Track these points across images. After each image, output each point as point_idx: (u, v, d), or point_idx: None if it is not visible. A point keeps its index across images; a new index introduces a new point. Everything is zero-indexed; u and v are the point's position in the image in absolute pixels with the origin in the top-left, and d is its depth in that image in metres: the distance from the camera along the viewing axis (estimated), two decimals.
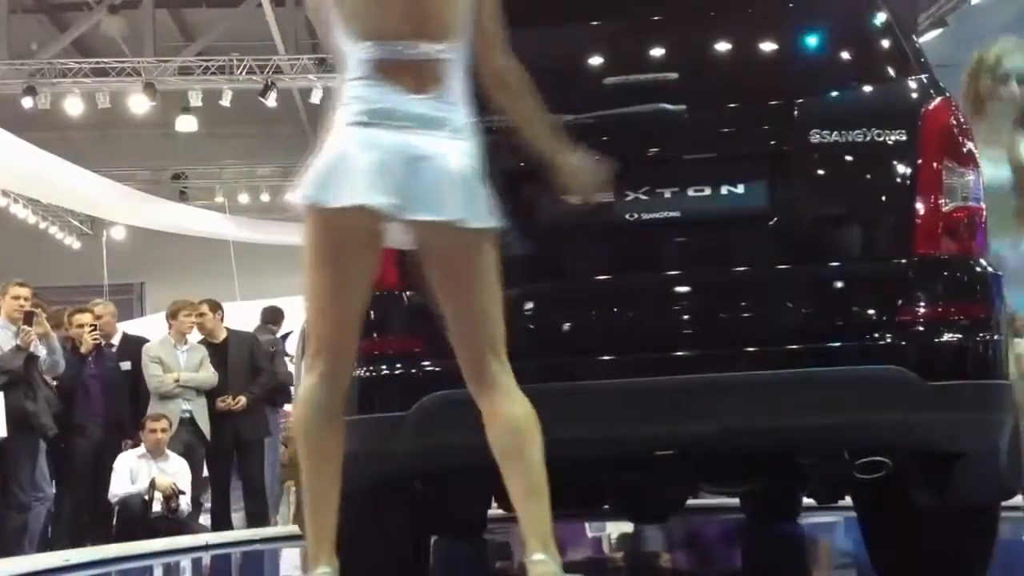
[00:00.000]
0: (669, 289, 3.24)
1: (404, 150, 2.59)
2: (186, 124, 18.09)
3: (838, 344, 3.16)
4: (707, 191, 3.28)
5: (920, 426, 3.14)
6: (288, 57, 15.96)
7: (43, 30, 16.99)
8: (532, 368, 2.89)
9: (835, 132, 3.30)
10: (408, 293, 3.27)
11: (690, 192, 3.27)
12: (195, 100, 16.23)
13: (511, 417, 2.67)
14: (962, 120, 3.35)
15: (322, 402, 2.71)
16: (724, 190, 3.28)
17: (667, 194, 3.26)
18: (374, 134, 2.60)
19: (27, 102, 15.75)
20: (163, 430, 8.45)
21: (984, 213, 3.31)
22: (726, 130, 3.37)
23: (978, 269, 3.27)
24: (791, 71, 3.52)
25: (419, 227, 2.64)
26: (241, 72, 15.96)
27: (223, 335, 9.18)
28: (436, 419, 3.12)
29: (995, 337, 3.22)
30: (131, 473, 8.36)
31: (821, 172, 3.33)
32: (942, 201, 3.23)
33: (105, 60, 16.20)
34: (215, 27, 16.62)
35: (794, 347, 3.15)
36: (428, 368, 3.19)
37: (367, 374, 3.26)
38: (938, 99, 3.34)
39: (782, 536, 5.93)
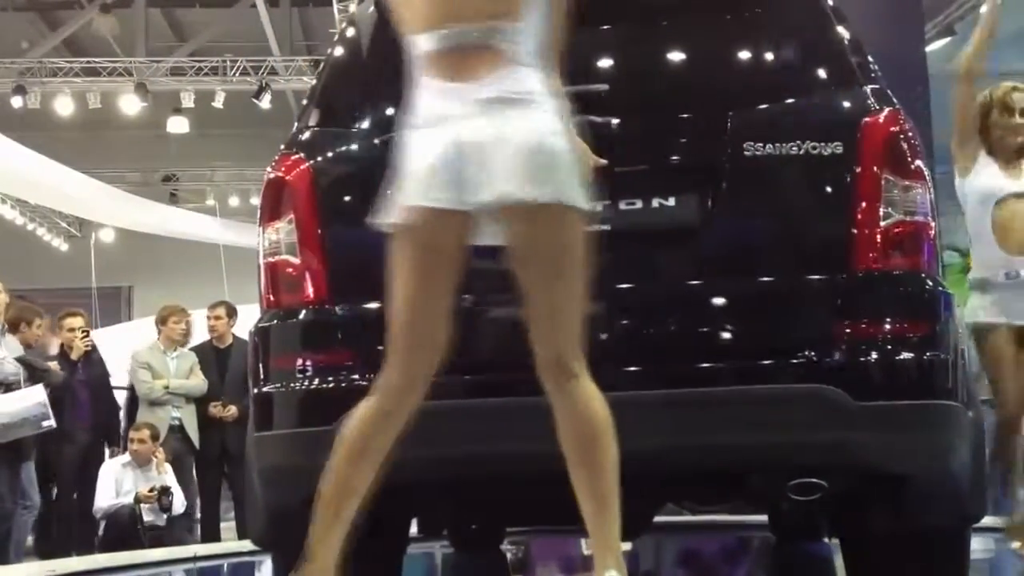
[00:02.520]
0: (597, 305, 3.22)
1: (459, 141, 2.49)
2: (178, 125, 18.07)
3: (768, 362, 3.10)
4: (638, 204, 3.26)
5: (851, 447, 3.05)
6: (283, 58, 15.97)
7: (34, 29, 16.97)
8: (457, 383, 2.89)
9: (771, 144, 3.26)
10: (335, 307, 3.27)
11: (621, 205, 3.24)
12: (187, 101, 16.23)
13: (585, 420, 2.56)
14: (909, 133, 3.26)
15: (389, 409, 2.62)
16: (655, 203, 3.26)
17: (597, 207, 3.16)
18: (430, 136, 2.53)
19: (16, 101, 15.74)
20: (141, 441, 8.44)
21: (932, 229, 3.23)
22: (658, 142, 3.34)
23: (920, 285, 3.19)
24: (725, 82, 3.49)
25: (492, 216, 2.53)
26: (235, 73, 15.96)
27: (229, 341, 9.16)
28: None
29: (938, 356, 3.13)
30: (116, 483, 8.35)
31: (756, 185, 3.28)
32: (881, 215, 3.15)
33: (96, 60, 16.20)
34: (209, 27, 16.62)
35: (721, 365, 3.10)
36: (352, 382, 3.16)
37: (290, 387, 3.28)
38: (881, 111, 3.26)
39: (804, 556, 5.88)
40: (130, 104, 16.36)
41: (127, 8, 16.45)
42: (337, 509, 2.63)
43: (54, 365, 8.30)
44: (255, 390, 3.40)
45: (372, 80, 3.57)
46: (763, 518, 6.03)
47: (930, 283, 3.20)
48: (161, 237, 18.92)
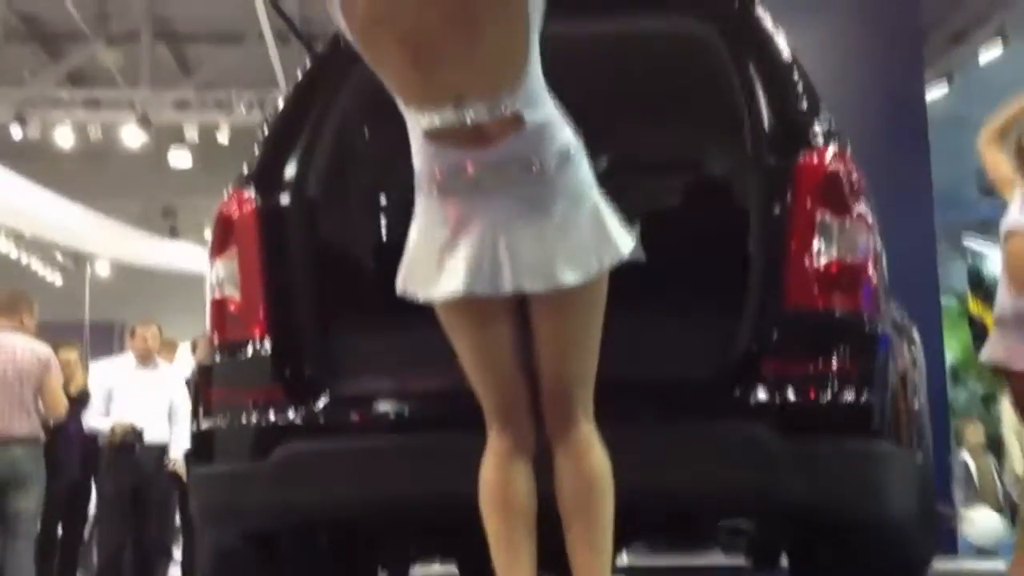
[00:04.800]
0: None
1: (485, 218, 2.44)
2: (180, 159, 18.23)
3: (693, 399, 3.10)
4: None
5: (777, 487, 3.03)
6: None
7: (36, 60, 17.17)
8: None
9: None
10: (271, 344, 3.33)
11: None
12: (190, 135, 16.39)
13: (585, 469, 2.57)
14: (851, 174, 3.24)
15: (515, 476, 2.59)
16: None
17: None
18: (447, 203, 2.47)
19: (16, 131, 15.91)
20: (152, 336, 8.65)
21: (872, 270, 3.21)
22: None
23: (853, 325, 3.17)
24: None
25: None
26: (240, 107, 16.12)
27: None
28: (292, 470, 3.13)
29: (869, 397, 3.10)
30: (108, 394, 8.54)
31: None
32: (815, 253, 3.13)
33: (99, 91, 16.38)
34: (215, 62, 16.80)
35: (643, 401, 3.08)
36: (284, 419, 3.23)
37: (222, 424, 3.34)
38: (821, 149, 3.25)
39: None
40: (132, 136, 16.52)
41: (133, 42, 16.65)
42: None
43: None
44: (193, 426, 3.48)
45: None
46: (741, 562, 6.06)
47: (865, 323, 3.19)
48: (157, 272, 19.03)
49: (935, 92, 12.21)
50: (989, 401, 10.90)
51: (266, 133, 3.71)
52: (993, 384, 9.07)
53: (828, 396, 3.08)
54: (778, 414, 3.06)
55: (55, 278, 21.83)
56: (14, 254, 20.13)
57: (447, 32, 2.41)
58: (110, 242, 18.14)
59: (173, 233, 21.35)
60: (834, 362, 3.11)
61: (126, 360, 9.22)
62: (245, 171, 3.60)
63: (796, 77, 3.46)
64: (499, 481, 2.60)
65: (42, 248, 20.96)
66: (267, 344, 3.33)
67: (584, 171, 2.52)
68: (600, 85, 3.84)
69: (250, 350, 3.35)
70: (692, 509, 3.21)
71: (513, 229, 2.44)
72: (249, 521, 3.32)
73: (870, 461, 3.11)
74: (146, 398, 8.48)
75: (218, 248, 3.45)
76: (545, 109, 2.50)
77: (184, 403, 8.25)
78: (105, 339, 20.25)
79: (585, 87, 3.50)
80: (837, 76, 4.41)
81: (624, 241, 2.52)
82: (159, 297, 20.31)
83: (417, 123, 2.50)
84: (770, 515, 3.16)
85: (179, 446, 8.29)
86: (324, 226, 3.60)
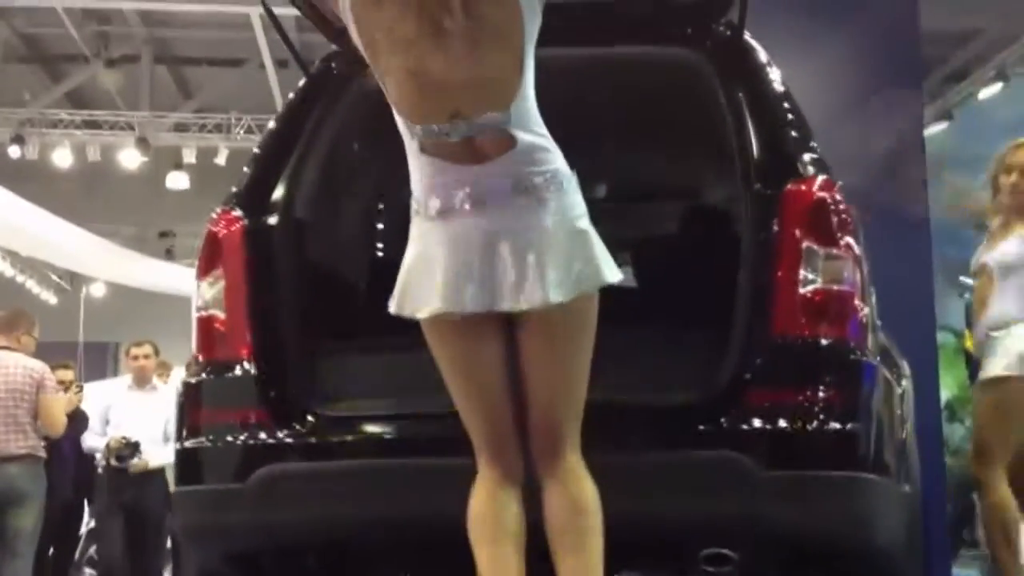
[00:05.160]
0: None
1: (477, 235, 2.48)
2: (177, 181, 18.26)
3: (675, 426, 3.10)
4: None
5: (758, 517, 3.03)
6: None
7: (36, 80, 17.24)
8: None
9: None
10: (254, 365, 3.32)
11: None
12: (189, 157, 16.44)
13: (572, 498, 2.58)
14: (838, 204, 3.24)
15: (506, 506, 2.61)
16: None
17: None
18: (443, 224, 2.52)
19: (14, 151, 15.95)
20: (146, 356, 8.59)
21: (859, 300, 3.21)
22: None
23: (837, 354, 3.16)
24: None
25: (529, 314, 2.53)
26: (239, 131, 16.19)
27: None
28: (273, 492, 3.12)
29: (853, 427, 3.11)
30: (104, 414, 8.50)
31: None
32: (800, 282, 3.14)
33: (98, 112, 16.44)
34: (215, 86, 16.87)
35: (626, 428, 3.08)
36: (267, 439, 3.23)
37: (205, 443, 3.34)
38: (809, 178, 3.25)
39: None
40: (130, 158, 16.57)
41: (133, 64, 16.73)
42: None
43: None
44: (177, 444, 3.48)
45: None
46: None
47: (849, 352, 3.18)
48: (152, 294, 19.02)
49: (934, 129, 12.30)
50: None
51: (256, 153, 3.74)
52: None
53: (812, 425, 3.08)
54: (761, 442, 3.07)
55: (50, 297, 21.83)
56: (9, 272, 20.14)
57: (449, 48, 2.49)
58: (106, 263, 18.14)
59: (169, 255, 21.37)
60: (818, 391, 3.12)
61: (122, 381, 9.18)
62: (234, 191, 3.61)
63: (786, 106, 3.48)
64: (490, 513, 2.61)
65: (37, 268, 20.98)
66: (251, 365, 3.34)
67: (575, 198, 2.56)
68: (591, 111, 3.86)
69: (234, 370, 3.35)
70: (674, 537, 3.18)
71: (503, 247, 2.48)
72: (230, 542, 3.32)
73: (855, 491, 3.10)
74: (143, 419, 8.40)
75: (205, 268, 3.46)
76: (538, 131, 2.57)
77: None
78: (99, 360, 20.26)
79: (576, 113, 3.52)
80: (837, 112, 4.44)
81: (610, 268, 2.55)
82: (154, 319, 20.27)
83: (413, 136, 2.57)
84: (754, 544, 3.13)
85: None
86: (312, 247, 3.60)
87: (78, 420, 8.86)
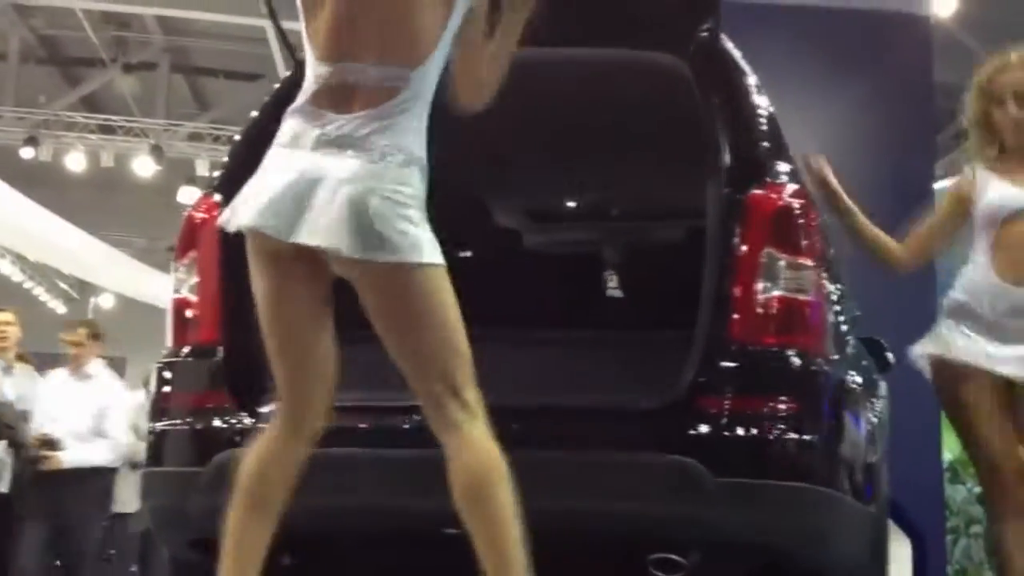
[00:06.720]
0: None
1: (311, 171, 2.54)
2: (189, 195, 18.27)
3: (626, 429, 3.10)
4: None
5: (707, 524, 3.03)
6: None
7: (52, 83, 17.32)
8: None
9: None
10: (224, 348, 3.37)
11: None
12: (202, 170, 16.46)
13: (466, 465, 2.57)
14: (807, 211, 3.24)
15: (273, 452, 2.65)
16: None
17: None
18: (291, 155, 2.59)
19: (27, 152, 16.00)
20: (77, 343, 8.00)
21: (822, 309, 3.21)
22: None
23: (796, 364, 3.14)
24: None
25: (335, 261, 2.57)
26: None
27: None
28: (232, 477, 3.05)
29: (810, 438, 3.10)
30: (30, 396, 7.88)
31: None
32: (759, 289, 3.13)
33: (113, 118, 16.49)
34: (232, 98, 16.92)
35: (577, 428, 3.10)
36: (229, 424, 3.28)
37: (168, 425, 3.42)
38: (773, 186, 3.26)
39: None
40: (144, 166, 16.61)
41: (151, 71, 16.79)
42: (239, 567, 2.62)
43: None
44: (149, 427, 3.54)
45: None
46: None
47: (809, 362, 3.15)
48: (161, 308, 18.99)
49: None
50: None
51: (240, 139, 3.78)
52: None
53: (765, 433, 3.07)
54: (714, 449, 3.05)
55: (58, 306, 21.88)
56: (18, 278, 20.20)
57: None
58: (115, 273, 18.16)
59: None
60: (773, 400, 3.10)
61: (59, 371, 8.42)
62: (216, 176, 3.69)
63: (761, 115, 3.50)
64: (256, 472, 2.63)
65: (47, 275, 21.04)
66: (218, 349, 3.39)
67: (413, 186, 2.58)
68: (566, 112, 3.90)
69: (202, 354, 3.41)
70: (624, 540, 3.17)
71: (318, 187, 2.52)
72: (191, 525, 3.32)
73: (807, 503, 3.08)
74: (70, 411, 7.80)
75: (181, 252, 3.51)
76: (414, 115, 2.62)
77: (119, 416, 7.97)
78: None
79: (551, 114, 3.62)
80: (848, 164, 4.39)
81: (430, 252, 2.56)
82: (162, 331, 20.31)
83: (313, 74, 2.64)
84: (704, 551, 3.10)
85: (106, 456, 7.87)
86: None
87: None
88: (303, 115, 2.62)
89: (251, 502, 2.63)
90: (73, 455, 7.67)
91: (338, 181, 2.52)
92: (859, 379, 3.53)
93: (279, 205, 2.53)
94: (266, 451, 2.65)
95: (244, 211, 2.59)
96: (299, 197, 2.52)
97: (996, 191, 4.09)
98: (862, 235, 4.12)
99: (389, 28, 2.60)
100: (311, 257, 2.57)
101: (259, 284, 2.66)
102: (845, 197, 4.04)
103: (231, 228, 2.62)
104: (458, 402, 2.60)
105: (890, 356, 4.50)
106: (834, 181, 4.02)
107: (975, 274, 4.09)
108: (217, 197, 3.52)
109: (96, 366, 8.19)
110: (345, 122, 2.57)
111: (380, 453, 3.18)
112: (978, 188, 4.14)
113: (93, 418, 7.87)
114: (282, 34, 3.92)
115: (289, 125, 2.64)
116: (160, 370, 3.52)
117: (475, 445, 2.58)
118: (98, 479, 7.94)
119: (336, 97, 2.60)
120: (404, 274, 2.55)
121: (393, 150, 2.56)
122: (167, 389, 3.48)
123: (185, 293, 3.47)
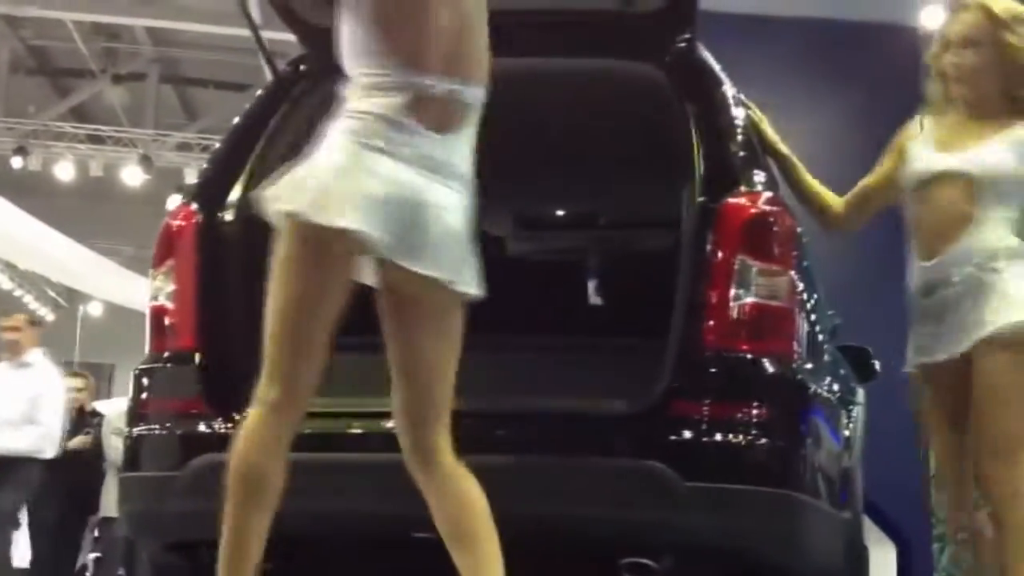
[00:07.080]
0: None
1: (413, 191, 2.49)
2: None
3: (597, 433, 3.13)
4: None
5: (677, 528, 3.04)
6: None
7: (42, 94, 17.33)
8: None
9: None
10: (196, 353, 3.40)
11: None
12: (191, 179, 16.47)
13: (453, 497, 2.59)
14: (782, 219, 3.26)
15: (268, 439, 2.57)
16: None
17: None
18: (384, 163, 2.49)
19: (17, 162, 16.01)
20: (15, 329, 8.19)
21: (795, 316, 3.22)
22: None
23: (767, 370, 3.16)
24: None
25: (398, 273, 2.52)
26: None
27: None
28: (207, 482, 3.05)
29: (780, 443, 3.12)
30: None
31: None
32: (732, 296, 3.15)
33: (102, 128, 16.50)
34: (220, 108, 16.94)
35: (549, 432, 3.13)
36: (204, 430, 3.32)
37: (145, 431, 3.45)
38: (747, 193, 3.27)
39: None
40: (132, 176, 16.62)
41: (140, 82, 16.80)
42: (239, 560, 2.56)
43: None
44: (127, 431, 3.56)
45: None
46: None
47: (781, 368, 3.18)
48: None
49: None
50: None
51: (218, 148, 3.82)
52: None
53: (736, 439, 3.09)
54: (685, 454, 3.08)
55: (47, 314, 21.83)
56: (7, 286, 20.17)
57: (472, 12, 2.60)
58: (103, 282, 18.15)
59: None
60: (744, 405, 3.12)
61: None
62: (193, 185, 3.73)
63: (737, 123, 3.51)
64: (259, 461, 2.56)
65: (36, 283, 21.01)
66: (195, 356, 3.42)
67: (471, 216, 2.61)
68: (546, 121, 3.96)
69: (178, 361, 3.44)
70: (595, 544, 3.20)
71: (425, 212, 2.50)
72: (166, 529, 3.38)
73: (778, 508, 3.09)
74: (5, 398, 7.95)
75: (158, 260, 3.53)
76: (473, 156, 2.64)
77: (53, 404, 8.00)
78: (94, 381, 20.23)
79: (530, 122, 3.64)
80: (837, 171, 4.44)
81: (472, 280, 2.57)
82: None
83: (396, 81, 2.55)
84: (675, 555, 3.13)
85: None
86: (265, 246, 3.66)
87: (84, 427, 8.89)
88: (390, 124, 2.52)
89: (249, 489, 2.55)
90: (2, 442, 7.81)
91: (441, 209, 2.51)
92: (834, 386, 3.58)
93: (387, 219, 2.45)
94: (259, 437, 2.57)
95: (336, 208, 2.44)
96: (406, 218, 2.47)
97: (922, 160, 3.71)
98: (799, 185, 3.90)
99: (476, 45, 2.60)
100: (355, 262, 2.56)
101: (301, 278, 2.56)
102: (780, 143, 3.87)
103: (317, 220, 2.46)
104: (443, 434, 2.62)
105: (876, 364, 4.54)
106: (769, 129, 3.86)
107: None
108: (194, 206, 3.55)
109: (35, 355, 8.32)
110: (441, 141, 2.54)
111: (351, 457, 3.22)
112: (910, 151, 3.77)
113: (26, 404, 7.97)
114: (261, 44, 3.96)
115: (374, 130, 2.51)
116: (138, 376, 3.55)
117: (459, 477, 2.61)
118: (26, 466, 8.00)
119: (431, 112, 2.55)
120: (460, 303, 2.61)
121: (470, 176, 2.61)
122: (144, 395, 3.52)
123: (163, 301, 3.49)
